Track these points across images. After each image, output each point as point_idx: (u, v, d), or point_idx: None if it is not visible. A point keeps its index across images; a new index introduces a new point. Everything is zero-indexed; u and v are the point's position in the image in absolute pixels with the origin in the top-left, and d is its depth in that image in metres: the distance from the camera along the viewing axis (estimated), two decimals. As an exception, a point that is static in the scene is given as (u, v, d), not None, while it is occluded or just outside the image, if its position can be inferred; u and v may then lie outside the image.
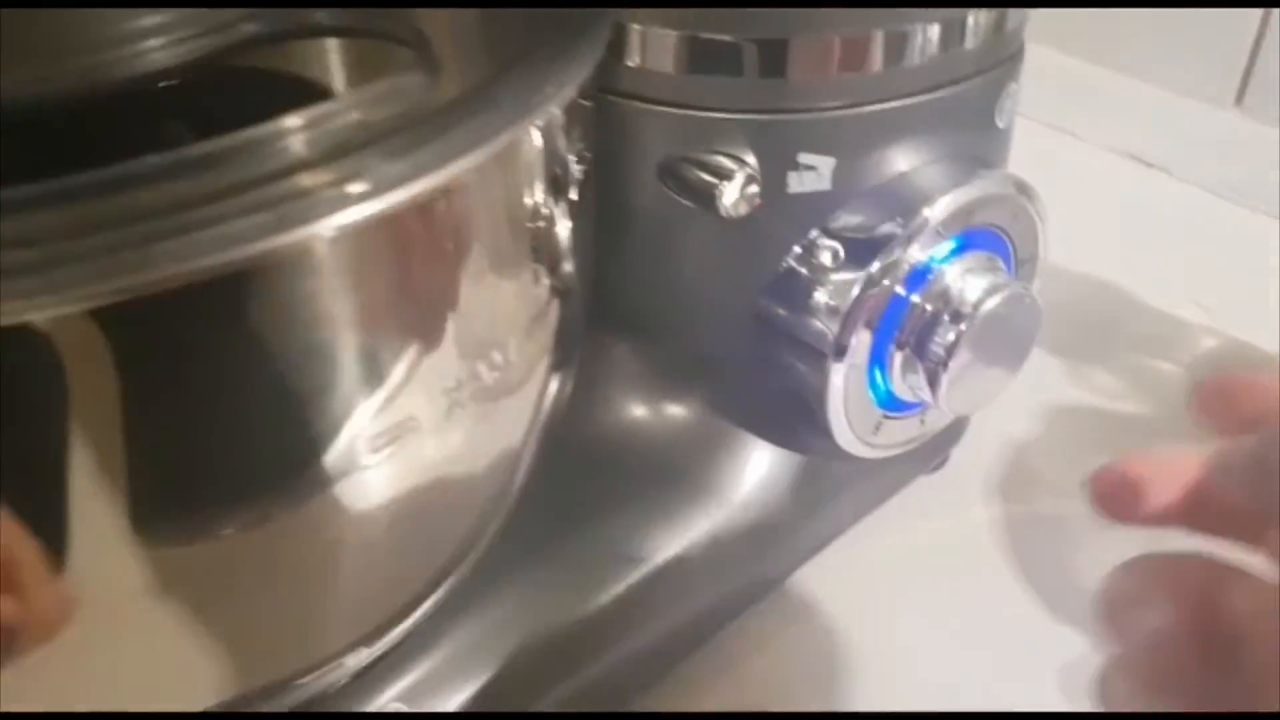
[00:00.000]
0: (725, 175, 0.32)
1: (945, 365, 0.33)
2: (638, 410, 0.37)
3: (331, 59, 0.25)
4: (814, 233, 0.33)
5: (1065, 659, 0.37)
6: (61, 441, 0.19)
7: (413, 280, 0.20)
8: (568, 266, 0.25)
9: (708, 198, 0.32)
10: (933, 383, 0.34)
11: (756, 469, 0.37)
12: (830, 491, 0.38)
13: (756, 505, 0.37)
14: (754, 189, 0.32)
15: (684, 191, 0.32)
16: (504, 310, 0.23)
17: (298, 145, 0.19)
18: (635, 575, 0.34)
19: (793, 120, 0.32)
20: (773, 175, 0.32)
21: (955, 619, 0.38)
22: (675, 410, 0.37)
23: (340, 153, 0.18)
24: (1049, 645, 0.37)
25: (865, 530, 0.40)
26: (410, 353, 0.21)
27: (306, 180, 0.17)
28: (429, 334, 0.21)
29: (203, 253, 0.17)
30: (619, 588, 0.34)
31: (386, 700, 0.29)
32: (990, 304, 0.33)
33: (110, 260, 0.16)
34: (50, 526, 0.19)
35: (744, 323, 0.35)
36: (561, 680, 0.32)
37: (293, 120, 0.19)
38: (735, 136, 0.32)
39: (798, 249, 0.33)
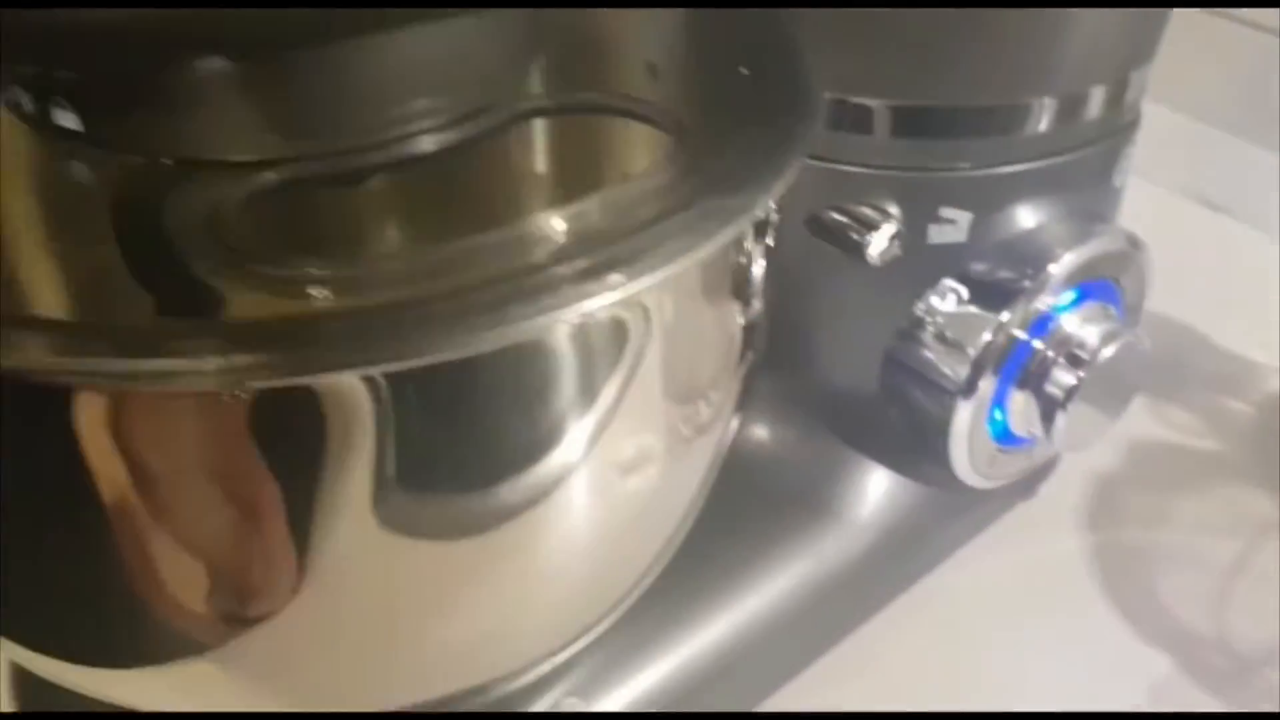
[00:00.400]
0: (873, 226, 0.34)
1: (1064, 406, 0.36)
2: (770, 435, 0.40)
3: (586, 134, 0.27)
4: (948, 280, 0.36)
5: (1154, 678, 0.40)
6: (340, 463, 0.22)
7: (662, 340, 0.23)
8: (759, 307, 0.28)
9: (855, 246, 0.34)
10: (1049, 422, 0.37)
11: (875, 494, 0.40)
12: (939, 518, 0.41)
13: (874, 528, 0.40)
14: (898, 239, 0.35)
15: (832, 239, 0.35)
16: (719, 354, 0.26)
17: (573, 234, 0.22)
18: (765, 587, 0.37)
19: (937, 178, 0.35)
20: (915, 226, 0.35)
21: (1046, 641, 0.41)
22: (804, 437, 0.40)
23: (607, 246, 0.21)
24: (1138, 665, 0.40)
25: (962, 557, 0.43)
26: (655, 398, 0.24)
27: (578, 266, 0.20)
28: (672, 384, 0.24)
29: (499, 326, 0.19)
30: (752, 597, 0.37)
31: (560, 695, 0.32)
32: (1108, 351, 0.36)
33: (419, 334, 0.19)
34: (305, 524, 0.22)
35: (875, 360, 0.38)
36: (712, 680, 0.35)
37: (562, 214, 0.22)
38: (883, 190, 0.35)
39: (932, 295, 0.36)
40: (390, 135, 0.24)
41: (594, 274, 0.20)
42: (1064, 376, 0.36)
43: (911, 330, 0.37)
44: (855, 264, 0.35)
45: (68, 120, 0.23)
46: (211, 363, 0.18)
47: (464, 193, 0.25)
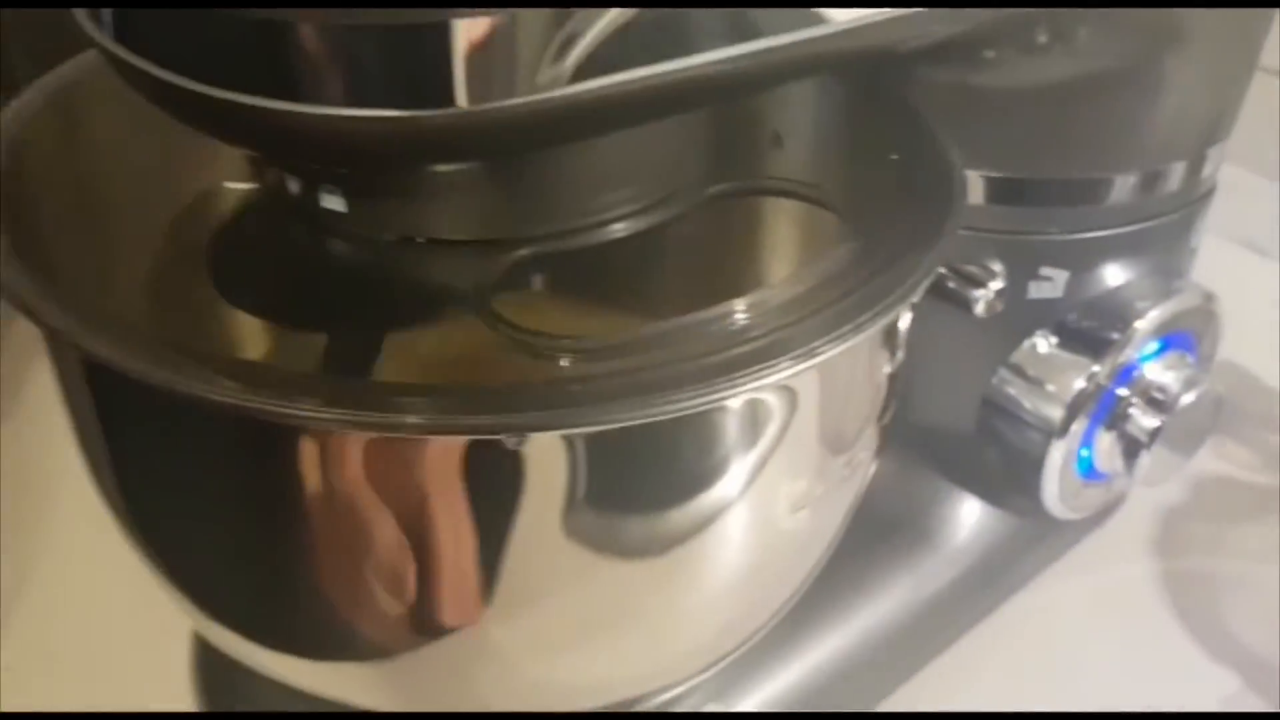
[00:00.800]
0: (980, 283, 0.38)
1: (1148, 447, 0.40)
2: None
3: (765, 217, 0.31)
4: (1044, 331, 0.40)
5: (1223, 695, 0.43)
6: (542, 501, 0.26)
7: (822, 400, 0.27)
8: (902, 357, 0.32)
9: (963, 301, 0.38)
10: (1132, 460, 0.40)
11: (969, 523, 0.44)
12: (1025, 545, 0.45)
13: (967, 554, 0.43)
14: (1001, 295, 0.39)
15: (940, 294, 0.39)
16: (869, 405, 0.30)
17: (759, 313, 0.26)
18: (872, 605, 0.41)
19: (1037, 240, 0.39)
20: (1016, 283, 0.39)
21: (1119, 659, 0.45)
22: (906, 470, 0.43)
23: (790, 326, 0.25)
24: (1207, 683, 0.43)
25: (1042, 581, 0.47)
26: (813, 448, 0.28)
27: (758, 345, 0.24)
28: (828, 435, 0.28)
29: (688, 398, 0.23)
30: (861, 614, 0.41)
31: (699, 700, 0.36)
32: (1188, 397, 0.40)
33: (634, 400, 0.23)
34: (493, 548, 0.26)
35: (973, 401, 0.41)
36: (828, 688, 0.39)
37: (744, 301, 0.26)
38: (989, 250, 0.39)
39: (1027, 344, 0.40)
40: (590, 222, 0.28)
41: (778, 352, 0.24)
42: (1147, 420, 0.40)
43: (1010, 376, 0.41)
44: (959, 316, 0.39)
45: (334, 204, 0.27)
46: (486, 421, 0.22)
47: (653, 269, 0.29)
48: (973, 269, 0.39)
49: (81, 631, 0.43)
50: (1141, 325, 0.39)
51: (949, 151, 0.31)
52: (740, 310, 0.25)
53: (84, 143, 0.32)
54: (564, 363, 0.24)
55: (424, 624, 0.28)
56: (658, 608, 0.29)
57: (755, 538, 0.29)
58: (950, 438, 0.43)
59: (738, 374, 0.23)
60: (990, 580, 0.44)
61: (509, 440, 0.23)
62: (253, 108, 0.21)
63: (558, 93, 0.22)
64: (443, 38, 0.20)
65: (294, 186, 0.28)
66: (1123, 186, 0.38)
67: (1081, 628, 0.46)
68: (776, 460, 0.27)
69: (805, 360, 0.23)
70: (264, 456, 0.26)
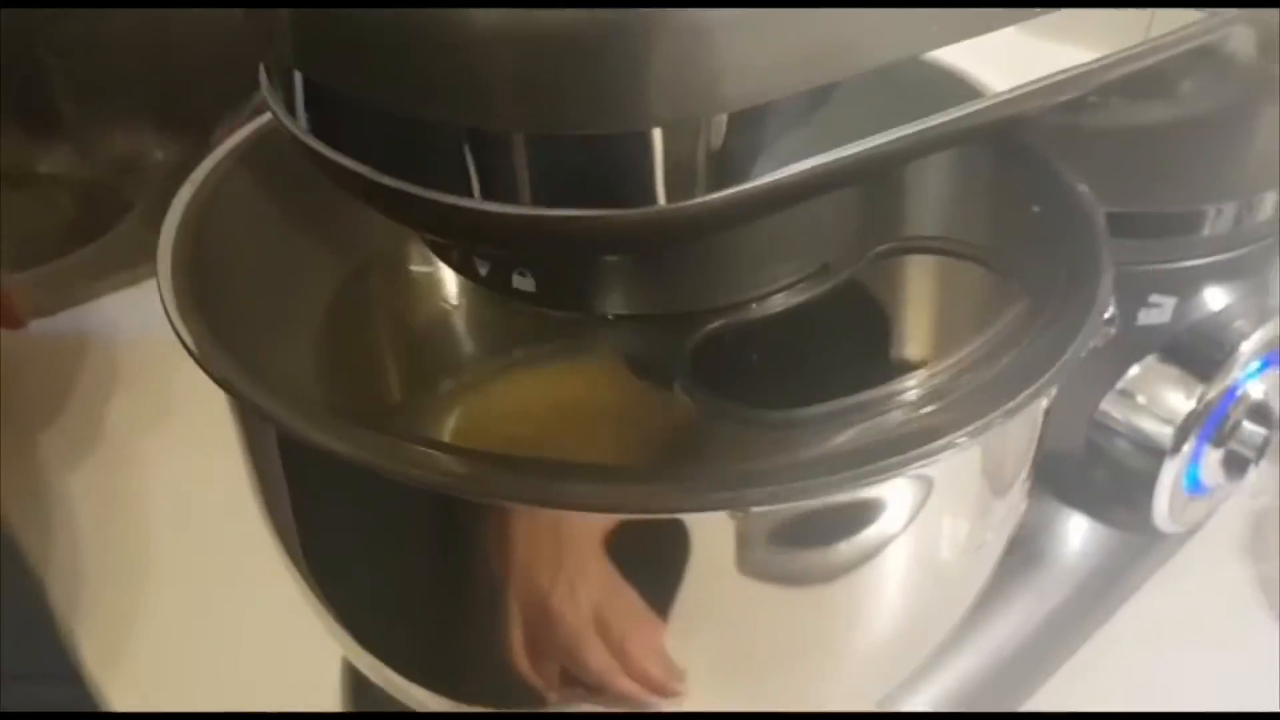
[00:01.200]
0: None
1: (1255, 462, 0.41)
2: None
3: (923, 277, 0.33)
4: (1152, 356, 0.41)
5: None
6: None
7: (988, 450, 0.29)
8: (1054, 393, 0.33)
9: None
10: (1240, 474, 0.42)
11: (1076, 539, 0.45)
12: (1131, 558, 0.47)
13: (1079, 570, 0.45)
14: (1114, 323, 0.40)
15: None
16: (1026, 447, 0.31)
17: (930, 389, 0.27)
18: (996, 626, 0.43)
19: (1146, 270, 0.40)
20: (1126, 311, 0.40)
21: (1223, 658, 0.46)
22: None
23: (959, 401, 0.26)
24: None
25: (1147, 588, 0.48)
26: (980, 494, 0.29)
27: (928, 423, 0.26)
28: (991, 481, 0.30)
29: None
30: (985, 636, 0.43)
31: None
32: (1294, 414, 0.41)
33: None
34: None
35: (1081, 422, 0.43)
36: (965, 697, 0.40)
37: (918, 375, 0.27)
38: (1099, 283, 0.40)
39: (1136, 369, 0.42)
40: (754, 295, 0.29)
41: (955, 429, 0.25)
42: (1254, 435, 0.41)
43: (1120, 399, 0.42)
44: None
45: (524, 285, 0.29)
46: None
47: (817, 340, 0.30)
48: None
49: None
50: (1247, 346, 0.41)
51: (1085, 197, 0.32)
52: (916, 382, 0.27)
53: (266, 199, 0.33)
54: (776, 435, 0.26)
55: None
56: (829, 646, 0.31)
57: (921, 580, 0.30)
58: (1059, 459, 0.44)
59: (916, 452, 0.24)
60: (1102, 593, 0.45)
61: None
62: (452, 206, 0.22)
63: (751, 185, 0.23)
64: (642, 143, 0.22)
65: (482, 269, 0.29)
66: (1221, 216, 0.40)
67: (1183, 632, 0.47)
68: (942, 516, 0.29)
69: (983, 432, 0.24)
70: (457, 531, 0.27)
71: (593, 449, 0.31)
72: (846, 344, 0.31)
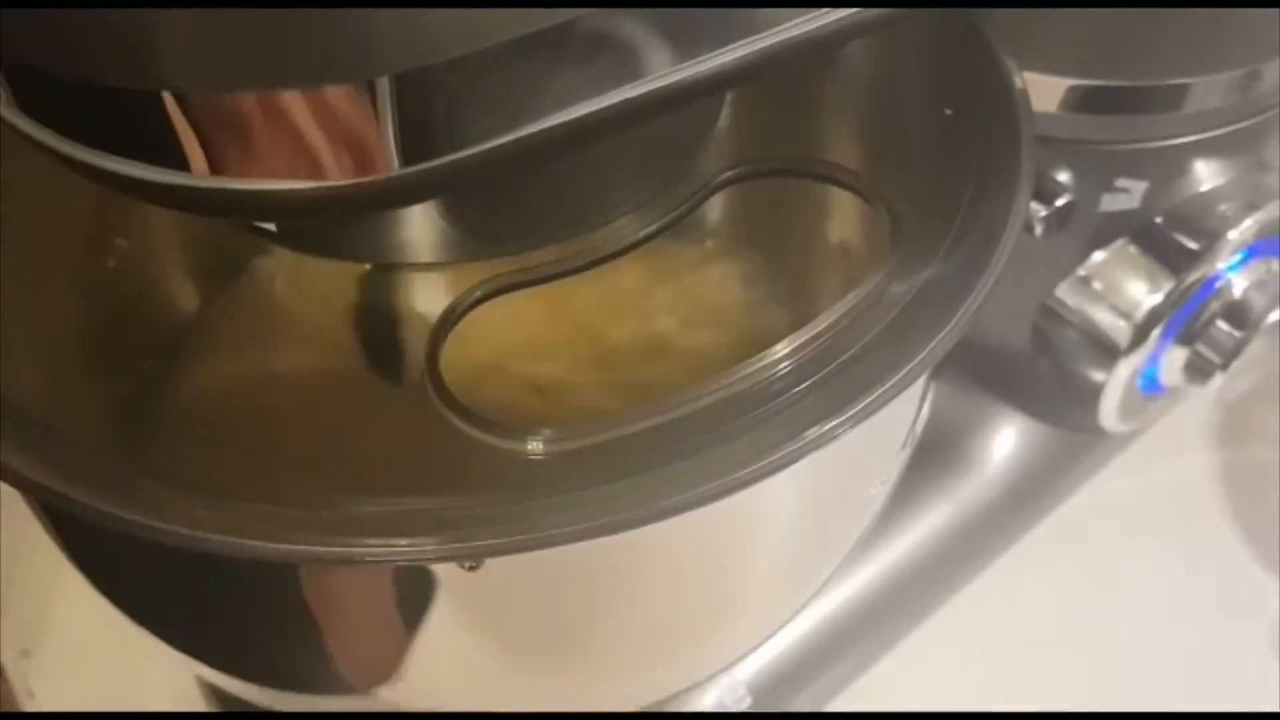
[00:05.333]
0: (1045, 199, 0.34)
1: (1225, 367, 0.36)
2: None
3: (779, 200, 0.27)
4: (1121, 241, 0.36)
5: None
6: None
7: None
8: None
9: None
10: (1203, 379, 0.37)
11: (1006, 444, 0.41)
12: (1069, 461, 0.42)
13: (1004, 477, 0.41)
14: (1067, 211, 0.34)
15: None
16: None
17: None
18: (908, 533, 0.39)
19: (1116, 150, 0.34)
20: (1087, 196, 0.34)
21: (1175, 560, 0.42)
22: (946, 387, 0.40)
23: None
24: (1265, 584, 0.41)
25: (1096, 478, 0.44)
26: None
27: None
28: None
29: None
30: (895, 543, 0.39)
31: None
32: (1274, 316, 0.36)
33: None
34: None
35: (1028, 314, 0.38)
36: (863, 615, 0.37)
37: (783, 347, 0.22)
38: (1057, 161, 0.34)
39: (1100, 255, 0.36)
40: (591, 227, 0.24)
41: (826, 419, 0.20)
42: (1225, 338, 0.36)
43: (1075, 288, 0.36)
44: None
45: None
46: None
47: (666, 277, 0.25)
48: (1039, 180, 0.34)
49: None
50: (1234, 235, 0.35)
51: (1014, 92, 0.26)
52: (757, 369, 0.21)
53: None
54: (533, 446, 0.21)
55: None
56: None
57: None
58: (1001, 352, 0.39)
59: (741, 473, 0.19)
60: (1027, 504, 0.41)
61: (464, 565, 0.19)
62: (171, 186, 0.17)
63: (491, 143, 0.17)
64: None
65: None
66: (1215, 88, 0.33)
67: (1131, 527, 0.43)
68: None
69: (820, 446, 0.19)
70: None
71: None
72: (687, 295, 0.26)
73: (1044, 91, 0.32)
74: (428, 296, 0.24)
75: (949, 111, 0.26)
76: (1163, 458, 0.45)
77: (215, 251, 0.30)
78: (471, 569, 0.19)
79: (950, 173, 0.25)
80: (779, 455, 0.19)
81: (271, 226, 0.22)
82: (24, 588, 0.42)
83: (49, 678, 0.40)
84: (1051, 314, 0.37)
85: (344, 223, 0.21)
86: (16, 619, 0.41)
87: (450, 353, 0.22)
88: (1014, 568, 0.42)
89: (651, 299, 0.29)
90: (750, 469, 0.19)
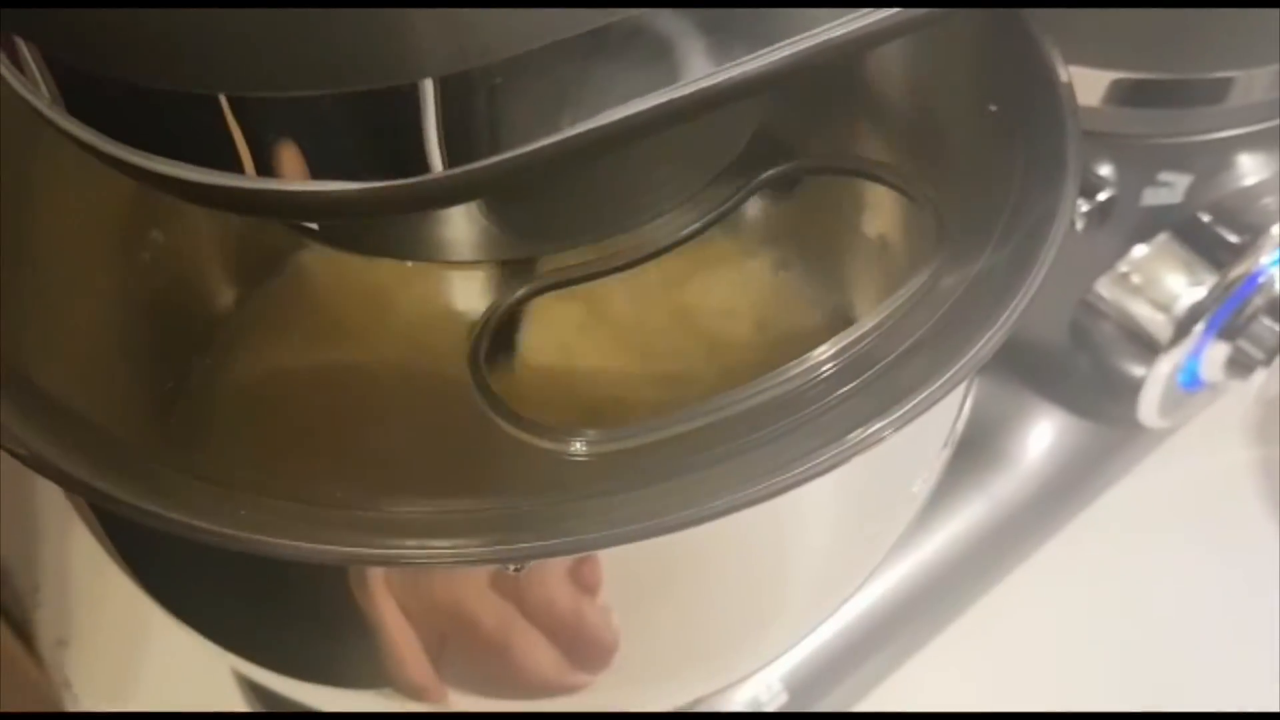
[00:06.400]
0: (1087, 193, 0.33)
1: (1268, 362, 0.36)
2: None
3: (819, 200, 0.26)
4: (1163, 235, 0.35)
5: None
6: None
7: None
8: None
9: (1068, 211, 0.34)
10: (1245, 374, 0.36)
11: (1042, 439, 0.41)
12: (1105, 457, 0.42)
13: (1040, 473, 0.40)
14: (1109, 207, 0.34)
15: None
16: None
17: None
18: (944, 528, 0.39)
19: (1157, 144, 0.33)
20: (1129, 189, 0.34)
21: (1210, 558, 0.42)
22: (984, 382, 0.40)
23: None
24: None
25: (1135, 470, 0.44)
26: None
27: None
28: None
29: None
30: (931, 538, 0.38)
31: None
32: (1318, 310, 0.35)
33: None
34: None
35: (1070, 309, 0.37)
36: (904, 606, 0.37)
37: (827, 348, 0.21)
38: (1099, 155, 0.33)
39: (1142, 249, 0.35)
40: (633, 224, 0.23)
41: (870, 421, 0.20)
42: (1269, 333, 0.36)
43: (1116, 283, 0.36)
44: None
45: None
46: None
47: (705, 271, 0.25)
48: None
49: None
50: (1277, 229, 0.34)
51: (1060, 86, 0.25)
52: (795, 374, 0.21)
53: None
54: (577, 446, 0.20)
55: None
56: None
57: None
58: (1039, 346, 0.39)
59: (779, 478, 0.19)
60: (1065, 498, 0.41)
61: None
62: (218, 186, 0.17)
63: (534, 145, 0.17)
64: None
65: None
66: (1260, 81, 0.32)
67: (1168, 521, 0.43)
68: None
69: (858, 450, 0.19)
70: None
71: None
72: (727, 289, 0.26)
73: (1087, 85, 0.32)
74: (468, 295, 0.24)
75: (993, 108, 0.25)
76: (1199, 454, 0.45)
77: (252, 246, 0.30)
78: (516, 570, 0.19)
79: (994, 169, 0.25)
80: (824, 458, 0.19)
81: (313, 225, 0.22)
82: (62, 579, 0.42)
83: (85, 668, 0.40)
84: (1091, 309, 0.37)
85: (386, 221, 0.21)
86: (54, 609, 0.42)
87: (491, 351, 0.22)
88: (1049, 563, 0.42)
89: (689, 293, 0.29)
90: (794, 472, 0.18)
